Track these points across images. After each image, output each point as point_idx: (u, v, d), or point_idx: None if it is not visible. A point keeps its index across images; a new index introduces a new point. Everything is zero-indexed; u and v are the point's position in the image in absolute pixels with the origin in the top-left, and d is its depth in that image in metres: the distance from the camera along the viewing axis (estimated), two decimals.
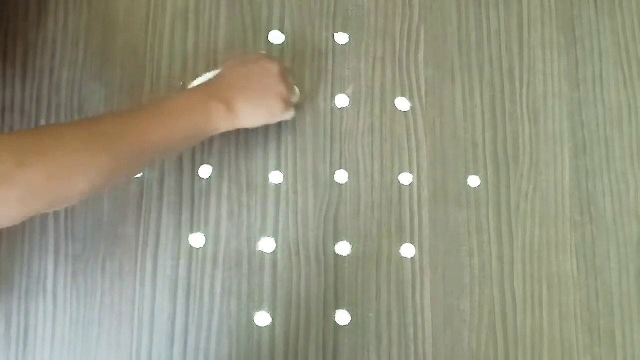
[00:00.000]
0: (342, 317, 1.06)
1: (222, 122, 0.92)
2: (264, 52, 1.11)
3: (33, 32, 1.10)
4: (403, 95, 1.15)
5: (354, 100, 1.14)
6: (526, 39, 1.20)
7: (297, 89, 1.06)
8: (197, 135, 0.93)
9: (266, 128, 1.09)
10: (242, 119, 0.95)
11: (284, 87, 0.99)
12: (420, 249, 1.10)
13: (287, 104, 1.01)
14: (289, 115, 1.02)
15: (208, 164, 1.08)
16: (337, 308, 1.06)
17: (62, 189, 0.72)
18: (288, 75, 1.02)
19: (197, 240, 1.06)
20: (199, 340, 1.03)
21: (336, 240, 1.08)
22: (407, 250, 1.09)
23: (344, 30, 1.17)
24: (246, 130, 1.04)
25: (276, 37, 1.15)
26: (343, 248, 1.08)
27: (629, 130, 1.18)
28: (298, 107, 1.10)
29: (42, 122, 1.07)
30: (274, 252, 1.07)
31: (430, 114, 1.15)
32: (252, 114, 0.97)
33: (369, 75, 1.15)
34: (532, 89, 1.18)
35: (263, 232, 1.07)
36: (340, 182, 1.10)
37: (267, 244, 1.07)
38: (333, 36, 1.16)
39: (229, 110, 0.92)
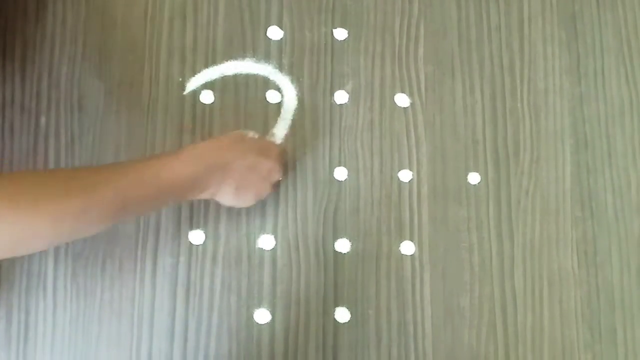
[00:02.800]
0: (342, 315, 1.11)
1: (204, 197, 0.97)
2: (274, 137, 1.16)
3: (32, 28, 1.15)
4: (403, 92, 1.20)
5: (353, 96, 1.19)
6: (527, 35, 1.25)
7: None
8: (176, 201, 1.02)
9: (265, 124, 1.16)
10: (225, 202, 1.02)
11: (277, 181, 1.06)
12: (420, 246, 1.15)
13: (274, 187, 1.07)
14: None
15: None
16: (336, 305, 1.11)
17: (25, 234, 0.73)
18: (284, 156, 1.09)
19: (196, 237, 1.11)
20: (198, 337, 1.08)
21: (335, 237, 1.13)
22: (407, 248, 1.14)
23: (342, 26, 1.22)
24: (246, 125, 1.13)
25: (275, 33, 1.20)
26: (342, 245, 1.13)
27: (631, 125, 1.23)
28: (298, 102, 1.18)
29: (42, 118, 1.12)
30: (274, 249, 1.12)
31: (430, 110, 1.20)
32: (234, 201, 1.03)
33: (368, 71, 1.20)
34: (533, 85, 1.23)
35: (262, 229, 1.13)
36: (340, 179, 1.16)
37: (266, 241, 1.12)
38: (332, 32, 1.21)
39: (216, 194, 0.98)
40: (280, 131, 1.16)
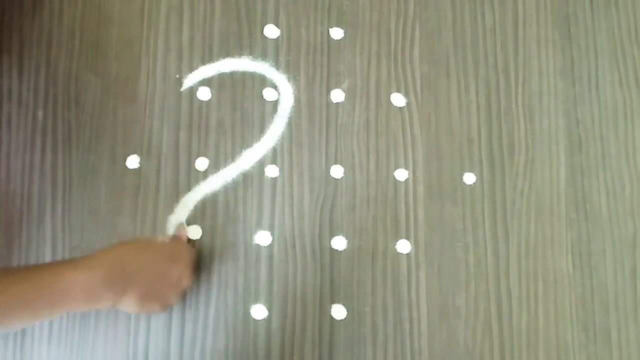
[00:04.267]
0: (338, 311, 1.14)
1: (104, 307, 0.93)
2: (184, 230, 1.14)
3: (29, 24, 1.18)
4: (398, 91, 1.24)
5: (349, 95, 1.22)
6: (521, 36, 1.29)
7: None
8: (71, 310, 0.97)
9: (262, 122, 1.20)
10: (128, 311, 0.99)
11: (188, 281, 1.04)
12: (415, 244, 1.17)
13: (183, 293, 1.06)
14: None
15: (204, 156, 1.17)
16: (332, 302, 1.14)
17: None
18: (194, 260, 1.07)
19: (193, 232, 1.14)
20: (195, 332, 1.10)
21: (332, 234, 1.16)
22: (403, 246, 1.17)
23: (338, 25, 1.25)
24: (242, 123, 1.16)
25: (271, 31, 1.23)
26: (339, 242, 1.16)
27: (624, 128, 1.26)
28: (295, 100, 1.21)
29: (40, 112, 1.15)
30: (270, 246, 1.15)
31: (425, 109, 1.23)
32: (138, 310, 0.98)
33: (364, 71, 1.24)
34: (527, 86, 1.26)
35: (259, 226, 1.15)
36: (336, 177, 1.19)
37: (263, 238, 1.15)
38: (328, 31, 1.25)
39: (118, 304, 0.94)
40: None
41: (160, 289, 1.00)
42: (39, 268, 0.88)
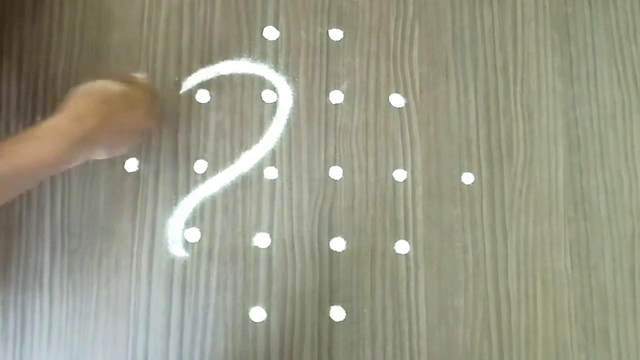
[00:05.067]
0: (337, 313, 1.12)
1: (76, 164, 0.91)
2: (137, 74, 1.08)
3: (28, 27, 1.17)
4: (397, 92, 1.22)
5: (349, 96, 1.21)
6: (520, 36, 1.27)
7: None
8: (42, 179, 0.98)
9: (261, 124, 1.18)
10: (99, 158, 0.96)
11: (149, 123, 1.04)
12: (414, 245, 1.16)
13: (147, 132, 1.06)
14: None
15: (203, 159, 1.15)
16: (331, 304, 1.13)
17: None
18: (155, 101, 1.04)
19: (192, 235, 1.13)
20: (194, 334, 1.09)
21: (331, 236, 1.15)
22: (402, 247, 1.16)
23: (338, 27, 1.24)
24: (241, 125, 1.15)
25: (270, 33, 1.22)
26: (338, 244, 1.15)
27: (623, 127, 1.25)
28: (294, 101, 1.19)
29: (38, 117, 1.13)
30: (269, 248, 1.14)
31: (424, 110, 1.22)
32: (108, 156, 0.97)
33: (363, 72, 1.22)
34: (526, 86, 1.25)
35: (258, 228, 1.14)
36: (335, 178, 1.17)
37: (262, 239, 1.14)
38: (327, 32, 1.23)
39: (89, 158, 0.93)
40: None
41: (123, 136, 0.97)
42: (8, 143, 0.83)
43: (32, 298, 1.09)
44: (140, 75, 1.05)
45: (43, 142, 0.84)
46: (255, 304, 1.12)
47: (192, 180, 1.15)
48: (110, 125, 0.92)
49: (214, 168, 1.16)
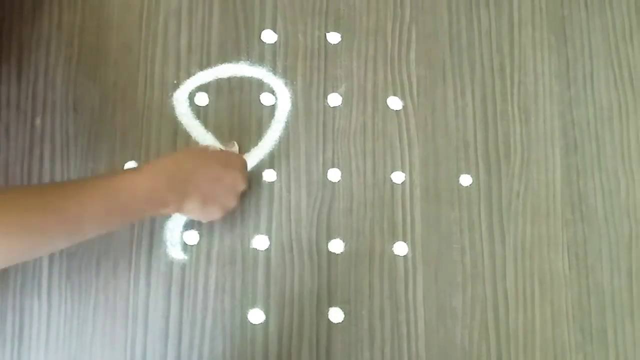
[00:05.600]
0: (335, 315, 1.11)
1: (169, 212, 0.95)
2: (234, 147, 1.14)
3: (28, 30, 1.16)
4: (395, 94, 1.22)
5: (346, 99, 1.20)
6: (517, 39, 1.27)
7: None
8: (137, 218, 0.99)
9: (259, 126, 1.17)
10: (192, 216, 1.02)
11: (243, 185, 1.04)
12: (412, 246, 1.16)
13: (239, 197, 1.06)
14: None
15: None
16: (330, 305, 1.12)
17: None
18: (246, 166, 1.07)
19: (191, 237, 1.12)
20: (192, 337, 1.08)
21: (329, 238, 1.14)
22: (400, 248, 1.15)
23: (336, 30, 1.23)
24: (240, 128, 1.14)
25: (269, 37, 1.21)
26: (336, 246, 1.14)
27: (619, 128, 1.25)
28: (292, 104, 1.19)
29: (38, 119, 1.12)
30: (268, 250, 1.13)
31: (421, 113, 1.21)
32: (201, 214, 1.01)
33: (361, 75, 1.22)
34: (523, 88, 1.25)
35: (256, 230, 1.13)
36: (333, 180, 1.17)
37: (260, 242, 1.13)
38: (325, 35, 1.23)
39: (181, 208, 0.95)
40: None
41: (218, 191, 0.99)
42: (103, 178, 0.87)
43: (30, 300, 1.08)
44: (235, 148, 1.12)
45: (144, 176, 0.89)
46: (253, 306, 1.11)
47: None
48: (206, 175, 0.97)
49: None
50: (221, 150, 1.06)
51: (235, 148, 1.13)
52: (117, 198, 0.85)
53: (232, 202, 1.03)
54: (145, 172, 0.89)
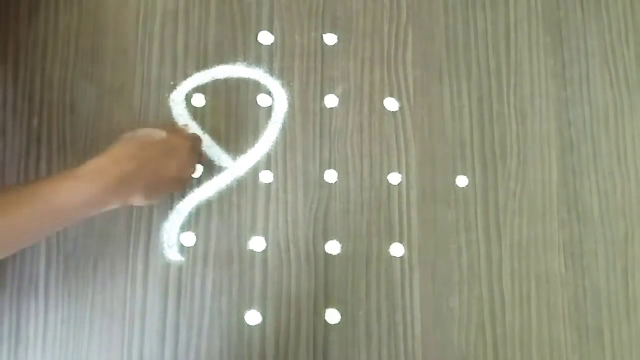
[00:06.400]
0: (332, 316, 1.11)
1: (113, 207, 0.93)
2: (178, 124, 1.14)
3: (24, 32, 1.15)
4: (391, 96, 1.21)
5: (343, 100, 1.20)
6: (513, 40, 1.26)
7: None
8: (77, 220, 0.94)
9: (256, 127, 1.17)
10: (136, 204, 0.98)
11: (188, 172, 1.04)
12: (409, 247, 1.15)
13: (186, 182, 1.07)
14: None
15: (198, 163, 1.13)
16: (327, 306, 1.11)
17: None
18: (196, 151, 1.06)
19: (187, 238, 1.11)
20: (189, 338, 1.08)
21: (326, 239, 1.14)
22: (397, 249, 1.15)
23: (332, 31, 1.23)
24: (237, 129, 1.13)
25: (265, 38, 1.21)
26: (333, 247, 1.14)
27: (615, 129, 1.24)
28: (289, 105, 1.18)
29: (34, 120, 1.12)
30: (264, 251, 1.12)
31: (418, 114, 1.21)
32: (146, 202, 0.97)
33: (357, 76, 1.21)
34: (519, 89, 1.24)
35: (253, 231, 1.13)
36: (330, 181, 1.16)
37: (257, 243, 1.12)
38: (322, 37, 1.22)
39: (126, 203, 0.94)
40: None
41: (161, 183, 0.98)
42: (37, 185, 0.85)
43: (27, 302, 1.07)
44: (185, 126, 1.11)
45: (81, 181, 0.86)
46: (250, 307, 1.10)
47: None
48: (148, 170, 0.94)
49: (209, 172, 1.14)
50: (167, 136, 1.00)
51: (188, 128, 1.12)
52: (53, 207, 0.83)
53: (178, 189, 1.06)
54: (82, 178, 0.87)
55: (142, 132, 0.99)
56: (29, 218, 0.81)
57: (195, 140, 1.08)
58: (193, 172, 1.06)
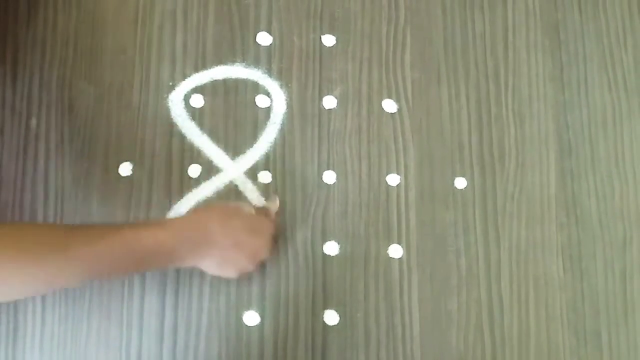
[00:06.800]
0: (331, 317, 1.11)
1: (186, 266, 1.00)
2: (275, 202, 1.14)
3: (23, 32, 1.16)
4: (390, 97, 1.21)
5: (342, 101, 1.20)
6: (511, 42, 1.27)
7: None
8: (155, 269, 1.02)
9: (254, 128, 1.17)
10: (207, 271, 1.01)
11: (265, 253, 1.03)
12: (407, 249, 1.15)
13: (260, 263, 1.06)
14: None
15: (197, 163, 1.14)
16: (325, 308, 1.11)
17: None
18: (276, 234, 1.07)
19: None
20: (188, 339, 1.08)
21: (324, 240, 1.14)
22: (395, 251, 1.15)
23: (330, 33, 1.23)
24: (235, 129, 1.14)
25: (264, 39, 1.21)
26: (331, 248, 1.14)
27: (613, 132, 1.25)
28: (287, 106, 1.19)
29: (33, 120, 1.13)
30: None
31: (416, 115, 1.21)
32: (217, 272, 1.01)
33: (355, 77, 1.22)
34: (517, 92, 1.25)
35: None
36: (328, 183, 1.17)
37: None
38: (320, 38, 1.23)
39: (198, 265, 0.98)
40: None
41: (239, 257, 0.99)
42: (127, 227, 0.88)
43: (24, 302, 1.07)
44: (273, 207, 1.12)
45: (163, 232, 0.90)
46: (248, 308, 1.11)
47: (185, 185, 1.14)
48: (230, 240, 0.97)
49: (207, 172, 1.15)
50: (256, 213, 1.04)
51: (276, 203, 1.13)
52: (135, 253, 0.87)
53: (250, 267, 1.03)
54: (168, 229, 0.91)
55: (233, 204, 1.03)
56: (119, 254, 0.85)
57: (278, 226, 1.10)
58: (269, 255, 1.05)
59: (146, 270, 1.02)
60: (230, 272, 1.01)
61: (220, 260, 0.98)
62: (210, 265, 0.98)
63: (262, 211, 1.08)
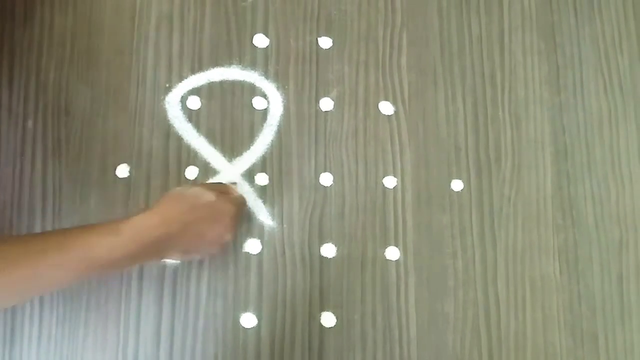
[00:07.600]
0: (328, 319, 1.12)
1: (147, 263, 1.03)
2: (224, 182, 1.14)
3: (20, 33, 1.17)
4: (386, 99, 1.23)
5: (338, 103, 1.21)
6: (507, 45, 1.28)
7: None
8: (114, 273, 1.03)
9: (251, 130, 1.18)
10: (171, 260, 1.06)
11: (229, 237, 1.03)
12: (404, 251, 1.16)
13: (225, 246, 1.07)
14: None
15: (194, 165, 1.15)
16: (322, 310, 1.12)
17: None
18: (239, 216, 1.07)
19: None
20: (184, 340, 1.09)
21: (321, 242, 1.15)
22: (392, 253, 1.16)
23: (327, 35, 1.24)
24: (232, 131, 1.15)
25: (260, 41, 1.22)
26: (328, 250, 1.15)
27: (609, 135, 1.26)
28: (284, 108, 1.20)
29: (29, 121, 1.13)
30: (260, 254, 1.13)
31: (413, 118, 1.22)
32: (180, 259, 1.08)
33: (352, 79, 1.23)
34: (514, 94, 1.26)
35: (249, 234, 1.14)
36: (325, 185, 1.18)
37: (252, 246, 1.14)
38: (317, 40, 1.24)
39: (162, 259, 1.02)
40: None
41: (201, 246, 1.01)
42: (72, 233, 0.86)
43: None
44: (234, 184, 1.13)
45: (123, 237, 0.87)
46: (245, 310, 1.11)
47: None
48: (191, 232, 0.96)
49: (204, 174, 1.15)
50: (216, 200, 1.01)
51: (235, 190, 1.11)
52: (94, 257, 0.84)
53: (213, 252, 1.06)
54: (124, 234, 0.88)
55: (192, 191, 1.00)
56: (66, 263, 0.82)
57: (241, 205, 1.10)
58: (233, 238, 1.06)
59: (107, 274, 1.03)
60: (194, 258, 1.08)
61: (183, 251, 0.98)
62: (174, 257, 1.03)
63: (223, 189, 1.07)
